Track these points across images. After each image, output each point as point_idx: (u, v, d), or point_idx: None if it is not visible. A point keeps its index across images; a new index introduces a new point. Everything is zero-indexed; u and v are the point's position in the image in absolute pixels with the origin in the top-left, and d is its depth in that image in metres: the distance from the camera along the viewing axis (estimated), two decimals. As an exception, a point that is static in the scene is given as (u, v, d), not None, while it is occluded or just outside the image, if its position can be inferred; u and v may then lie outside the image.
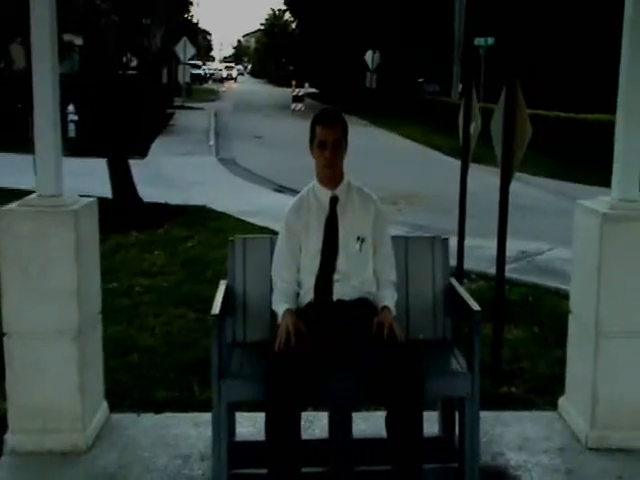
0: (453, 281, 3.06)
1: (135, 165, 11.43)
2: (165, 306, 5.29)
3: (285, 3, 44.91)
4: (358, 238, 2.80)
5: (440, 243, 3.05)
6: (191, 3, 39.23)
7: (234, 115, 26.98)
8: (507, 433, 3.30)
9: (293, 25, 53.75)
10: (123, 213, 8.26)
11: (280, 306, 2.76)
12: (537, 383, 4.00)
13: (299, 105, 28.38)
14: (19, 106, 14.79)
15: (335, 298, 2.77)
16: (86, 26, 8.16)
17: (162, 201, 9.26)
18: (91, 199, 3.20)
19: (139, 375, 4.02)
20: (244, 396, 2.73)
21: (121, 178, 8.56)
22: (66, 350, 3.01)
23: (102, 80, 8.34)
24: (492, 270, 4.89)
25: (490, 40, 20.53)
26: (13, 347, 3.02)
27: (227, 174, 13.08)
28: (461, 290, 2.95)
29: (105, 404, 3.40)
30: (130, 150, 13.21)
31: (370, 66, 30.14)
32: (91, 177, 9.63)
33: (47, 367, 3.03)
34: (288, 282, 2.83)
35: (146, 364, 4.17)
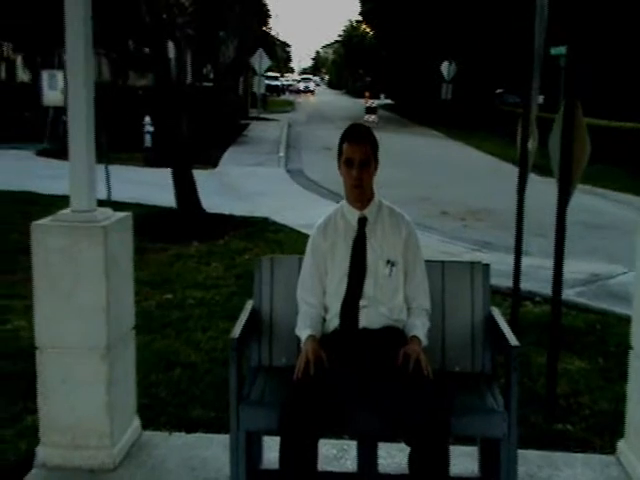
0: (494, 311, 2.83)
1: (205, 175, 11.60)
2: (215, 320, 5.25)
3: (361, 14, 44.88)
4: (388, 262, 2.64)
5: (480, 269, 2.83)
6: (269, 16, 39.90)
7: (307, 126, 27.14)
8: (556, 477, 3.03)
9: (370, 36, 53.73)
10: (186, 223, 8.38)
11: (303, 332, 2.63)
12: (597, 421, 3.69)
13: (372, 117, 28.20)
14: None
15: (361, 325, 2.61)
16: (152, 40, 8.32)
17: (227, 211, 9.33)
18: (125, 214, 3.16)
19: (178, 391, 3.98)
20: (263, 424, 2.61)
21: (185, 188, 8.67)
22: (95, 367, 2.99)
23: (169, 92, 8.49)
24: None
25: (572, 50, 19.75)
26: (44, 361, 3.02)
27: (294, 186, 13.08)
28: (501, 321, 2.72)
29: (137, 421, 3.35)
30: (202, 160, 13.48)
31: (446, 77, 29.72)
32: (162, 187, 9.82)
33: (76, 383, 3.01)
34: (313, 306, 2.69)
35: (186, 380, 4.12)
